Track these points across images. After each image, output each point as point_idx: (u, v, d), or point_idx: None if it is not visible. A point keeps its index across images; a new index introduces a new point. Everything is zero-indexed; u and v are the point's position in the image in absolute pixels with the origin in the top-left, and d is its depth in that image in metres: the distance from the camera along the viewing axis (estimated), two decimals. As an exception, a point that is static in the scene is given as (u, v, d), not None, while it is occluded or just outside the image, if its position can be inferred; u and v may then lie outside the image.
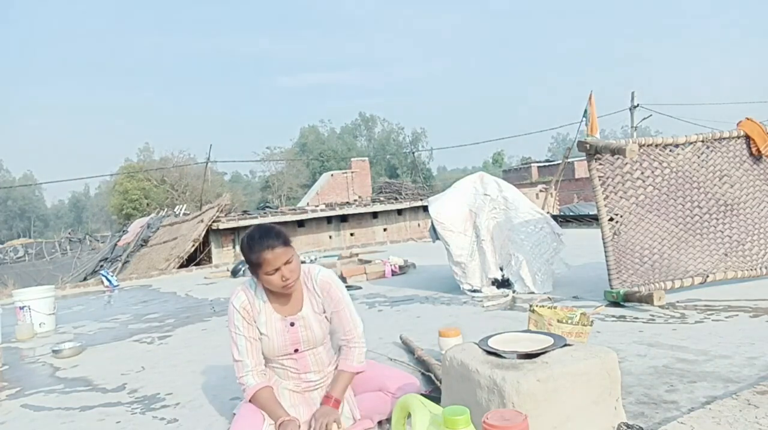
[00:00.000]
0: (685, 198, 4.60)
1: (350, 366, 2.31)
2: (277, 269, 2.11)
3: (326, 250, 13.02)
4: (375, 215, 21.19)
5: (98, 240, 30.58)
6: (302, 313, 2.28)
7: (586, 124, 13.32)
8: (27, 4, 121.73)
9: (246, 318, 2.21)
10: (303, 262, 2.34)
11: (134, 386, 3.40)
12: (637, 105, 24.62)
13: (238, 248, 17.65)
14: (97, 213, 64.17)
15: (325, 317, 2.33)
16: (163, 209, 25.41)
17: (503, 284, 5.23)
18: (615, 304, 4.30)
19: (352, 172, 27.82)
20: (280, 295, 2.24)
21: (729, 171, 4.71)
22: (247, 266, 2.23)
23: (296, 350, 2.29)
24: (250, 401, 2.19)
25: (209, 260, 16.29)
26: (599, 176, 4.46)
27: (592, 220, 11.38)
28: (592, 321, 2.84)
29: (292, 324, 2.26)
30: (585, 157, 4.55)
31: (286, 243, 2.14)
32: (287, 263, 2.12)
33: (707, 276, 4.55)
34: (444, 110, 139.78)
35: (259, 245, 2.09)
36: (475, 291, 5.23)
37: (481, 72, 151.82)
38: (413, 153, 48.99)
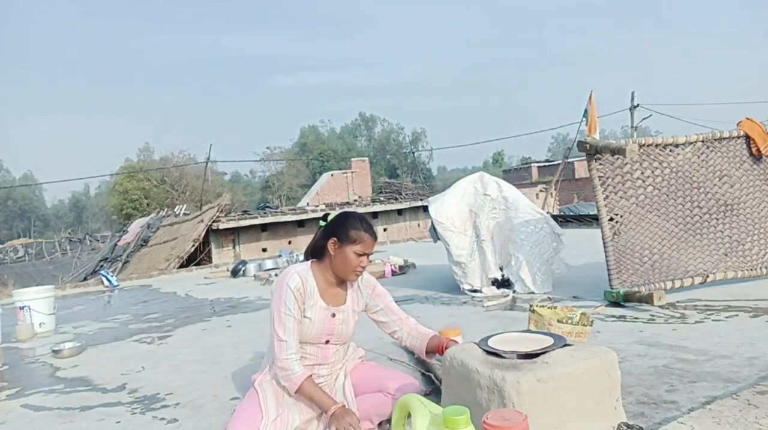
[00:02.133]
0: (685, 198, 4.60)
1: (429, 331, 2.57)
2: (363, 255, 2.29)
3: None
4: (375, 215, 21.18)
5: (98, 240, 30.56)
6: (345, 306, 2.37)
7: (586, 124, 13.30)
8: (27, 4, 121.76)
9: (297, 300, 2.24)
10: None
11: (134, 386, 3.40)
12: (637, 105, 24.59)
13: (238, 247, 17.68)
14: (97, 213, 64.12)
15: (363, 311, 2.51)
16: (163, 209, 25.38)
17: (503, 284, 5.22)
18: (615, 304, 4.30)
19: (352, 172, 27.79)
20: (329, 285, 2.34)
21: (729, 171, 4.71)
22: (329, 236, 2.30)
23: (327, 342, 2.34)
24: (297, 391, 2.19)
25: (209, 260, 16.28)
26: (599, 176, 4.46)
27: (592, 220, 11.38)
28: (592, 321, 2.84)
29: (333, 315, 2.33)
30: (585, 157, 4.56)
31: (376, 241, 2.37)
32: (368, 256, 2.32)
33: (707, 276, 4.55)
34: (444, 110, 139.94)
35: (367, 227, 2.31)
36: (475, 291, 5.23)
37: (482, 71, 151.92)
38: (413, 153, 49.04)
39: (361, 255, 2.27)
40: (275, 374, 2.28)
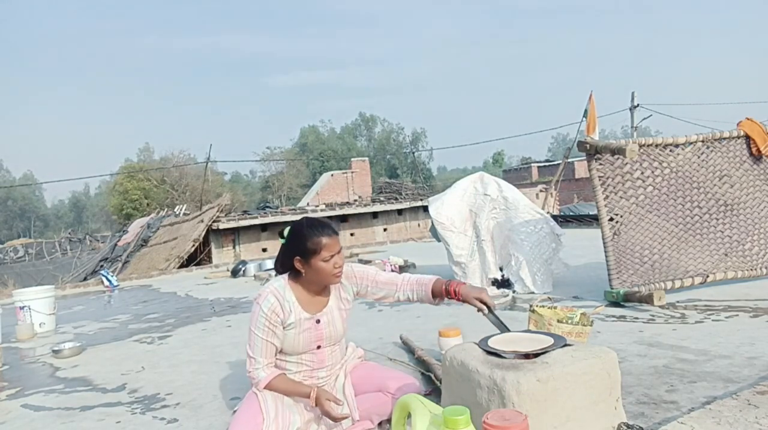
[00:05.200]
0: (685, 198, 4.60)
1: (428, 278, 2.40)
2: (332, 256, 2.18)
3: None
4: (375, 215, 21.18)
5: (98, 240, 30.58)
6: (327, 308, 2.33)
7: (586, 124, 13.29)
8: (27, 4, 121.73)
9: (270, 323, 2.21)
10: None
11: (134, 386, 3.40)
12: (637, 105, 24.60)
13: (238, 247, 17.68)
14: (97, 213, 64.04)
15: (357, 297, 2.45)
16: (163, 209, 25.38)
17: (503, 284, 5.22)
18: (615, 304, 4.30)
19: (352, 172, 27.78)
20: (308, 293, 2.29)
21: (729, 171, 4.71)
22: (292, 256, 2.22)
23: (318, 347, 2.33)
24: (266, 388, 2.22)
25: (209, 260, 16.27)
26: (599, 176, 4.46)
27: (592, 220, 11.38)
28: (592, 321, 2.84)
29: (318, 321, 2.30)
30: (585, 157, 4.56)
31: (337, 233, 2.24)
32: (339, 251, 2.22)
33: (707, 276, 4.55)
34: (444, 110, 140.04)
35: (319, 231, 2.17)
36: (475, 291, 5.22)
37: (481, 72, 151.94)
38: (413, 153, 48.98)
39: (329, 259, 2.18)
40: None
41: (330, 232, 2.20)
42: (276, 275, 2.39)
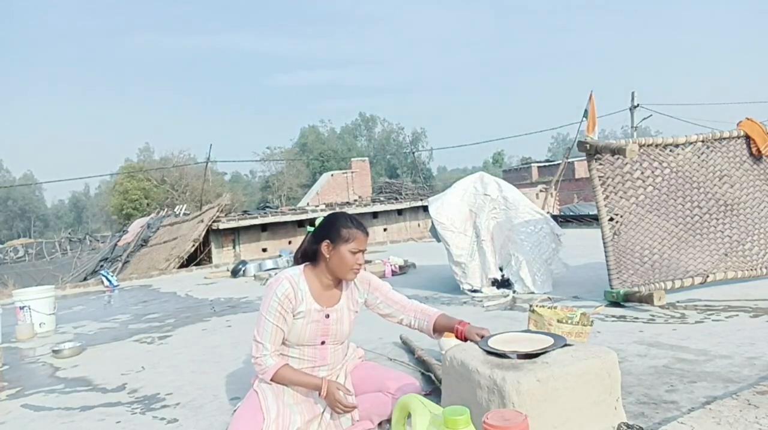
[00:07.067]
0: (685, 198, 4.60)
1: (434, 311, 2.54)
2: (358, 252, 2.28)
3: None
4: (375, 214, 21.18)
5: (98, 240, 30.54)
6: (338, 305, 2.36)
7: (586, 124, 13.30)
8: (26, 4, 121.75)
9: (283, 308, 2.24)
10: None
11: (134, 386, 3.40)
12: (637, 105, 24.60)
13: (238, 248, 17.68)
14: (97, 213, 64.06)
15: (365, 307, 2.52)
16: (163, 209, 25.39)
17: (503, 284, 5.23)
18: (615, 304, 4.30)
19: (352, 172, 27.79)
20: (324, 287, 2.34)
21: (729, 171, 4.71)
22: (322, 240, 2.28)
23: (322, 343, 2.35)
24: (272, 379, 2.23)
25: (209, 260, 16.28)
26: (599, 176, 4.46)
27: (592, 220, 11.39)
28: (592, 321, 2.84)
29: (327, 316, 2.32)
30: (585, 157, 4.56)
31: (368, 235, 2.37)
32: (363, 251, 2.32)
33: (707, 276, 4.55)
34: (444, 110, 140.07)
35: (356, 225, 2.30)
36: (475, 291, 5.23)
37: (481, 71, 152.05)
38: (413, 153, 48.95)
39: (356, 253, 2.27)
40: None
41: (364, 230, 2.33)
42: (292, 265, 2.43)
